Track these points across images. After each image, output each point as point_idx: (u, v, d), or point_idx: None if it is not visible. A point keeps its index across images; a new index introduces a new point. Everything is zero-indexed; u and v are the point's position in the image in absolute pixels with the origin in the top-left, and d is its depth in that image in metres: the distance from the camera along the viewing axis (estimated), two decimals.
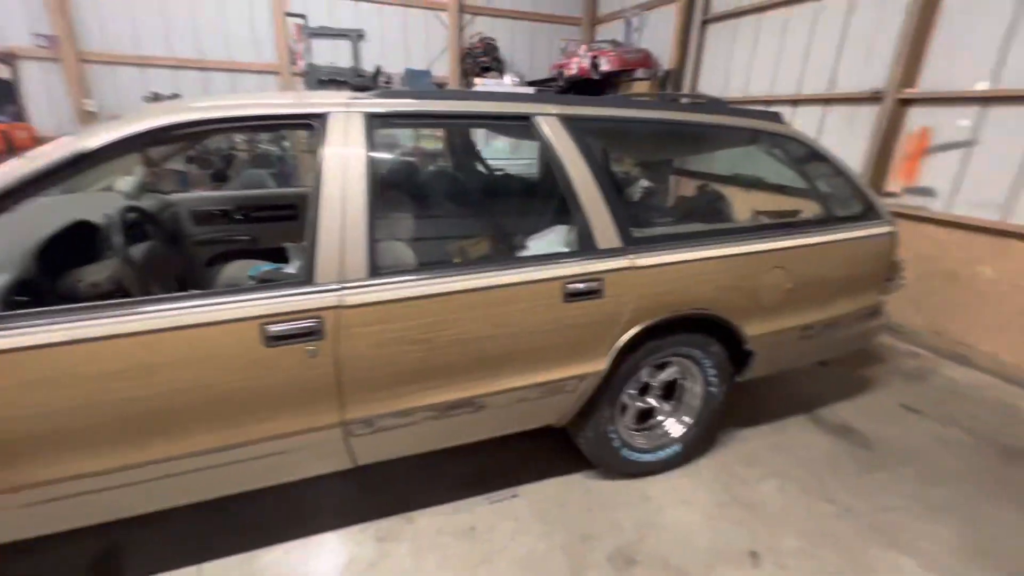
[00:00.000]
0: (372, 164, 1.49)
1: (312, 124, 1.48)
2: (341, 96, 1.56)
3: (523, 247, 1.85)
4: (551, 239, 1.87)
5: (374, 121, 1.54)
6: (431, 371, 1.55)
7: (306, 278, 1.40)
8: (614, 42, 6.17)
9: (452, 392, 1.61)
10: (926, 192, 3.50)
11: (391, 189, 2.31)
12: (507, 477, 2.08)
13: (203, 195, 2.70)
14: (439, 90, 6.04)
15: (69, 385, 1.21)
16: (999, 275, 3.09)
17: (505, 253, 1.98)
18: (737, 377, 2.17)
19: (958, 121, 3.29)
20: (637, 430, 2.13)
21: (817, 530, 1.88)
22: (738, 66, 5.02)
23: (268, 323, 1.34)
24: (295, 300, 1.37)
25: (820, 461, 2.26)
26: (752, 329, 2.01)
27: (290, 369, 1.39)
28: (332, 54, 6.26)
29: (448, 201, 2.53)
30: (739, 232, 1.98)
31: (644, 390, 2.12)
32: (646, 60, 5.85)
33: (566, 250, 1.73)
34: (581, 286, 1.66)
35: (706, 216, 2.50)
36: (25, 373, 1.18)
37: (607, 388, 1.86)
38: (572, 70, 6.12)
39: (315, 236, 1.40)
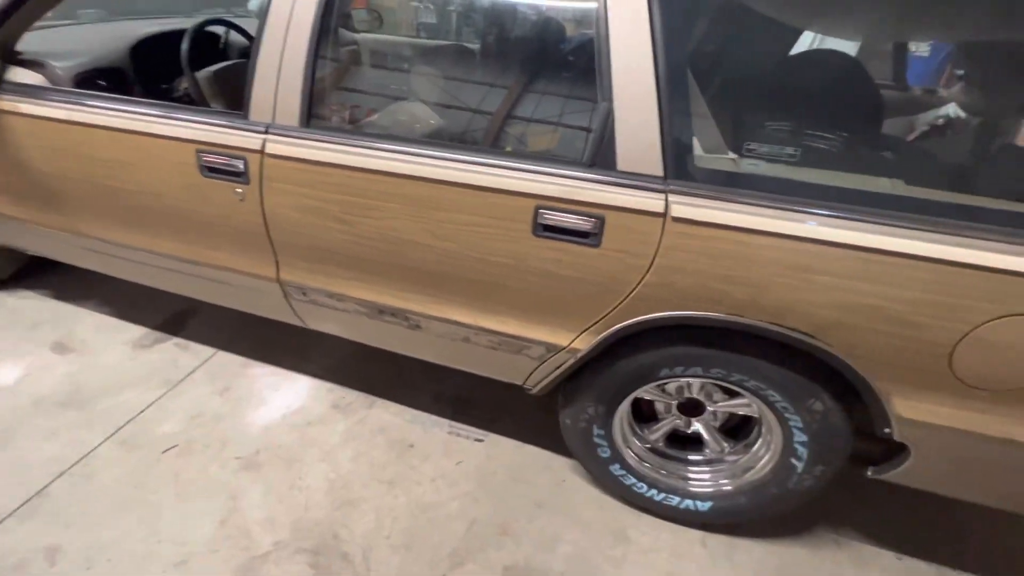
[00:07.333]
0: None
1: None
2: None
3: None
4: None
5: None
6: (355, 261, 1.29)
7: (244, 112, 1.24)
8: None
9: (381, 295, 1.33)
10: None
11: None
12: (490, 417, 1.77)
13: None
14: None
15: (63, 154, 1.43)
16: None
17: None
18: (869, 471, 1.24)
19: None
20: (656, 452, 1.48)
21: None
22: None
23: (202, 151, 1.27)
24: (224, 133, 1.25)
25: None
26: (916, 408, 1.04)
27: (223, 206, 1.32)
28: None
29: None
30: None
31: (694, 408, 1.42)
32: None
33: (564, 157, 1.11)
34: (564, 219, 1.07)
35: None
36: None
37: (593, 377, 1.28)
38: None
39: (255, 62, 1.20)
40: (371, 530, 1.40)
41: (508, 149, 1.34)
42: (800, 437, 1.20)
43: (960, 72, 2.26)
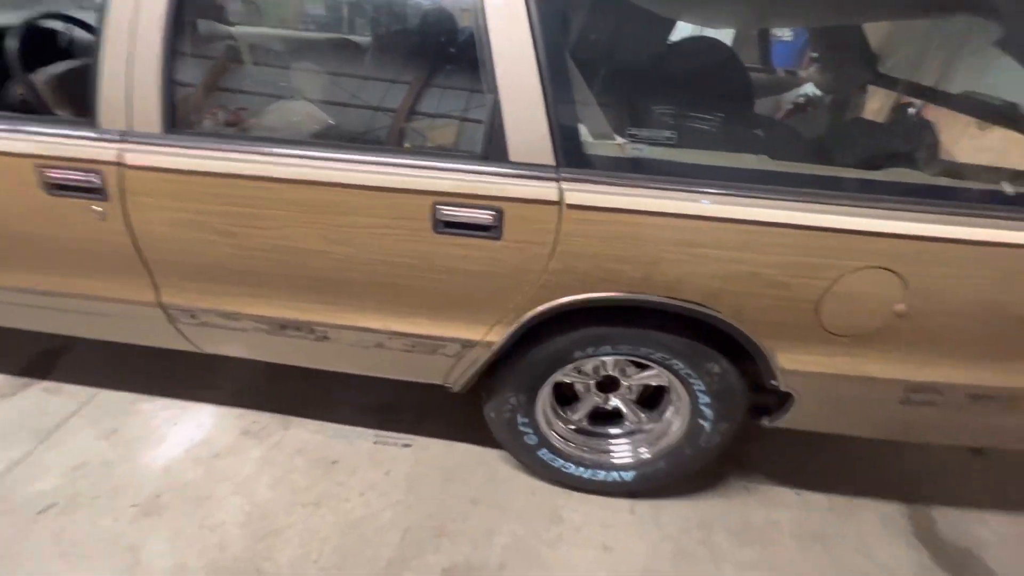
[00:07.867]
0: None
1: None
2: None
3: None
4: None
5: None
6: (246, 276, 1.20)
7: (91, 119, 1.10)
8: None
9: (280, 309, 1.25)
10: None
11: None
12: (416, 420, 1.73)
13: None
14: None
15: None
16: None
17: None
18: (765, 421, 1.36)
19: None
20: (580, 432, 1.53)
21: None
22: None
23: (43, 167, 1.11)
24: (68, 144, 1.09)
25: None
26: (796, 360, 1.16)
27: (81, 228, 1.17)
28: None
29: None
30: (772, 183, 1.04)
31: (610, 384, 1.48)
32: None
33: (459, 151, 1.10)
34: (462, 214, 1.06)
35: (873, 159, 1.43)
36: None
37: (511, 368, 1.30)
38: None
39: (99, 60, 1.06)
40: (298, 557, 1.33)
41: (407, 146, 1.30)
42: (704, 399, 1.30)
43: (814, 54, 2.53)
